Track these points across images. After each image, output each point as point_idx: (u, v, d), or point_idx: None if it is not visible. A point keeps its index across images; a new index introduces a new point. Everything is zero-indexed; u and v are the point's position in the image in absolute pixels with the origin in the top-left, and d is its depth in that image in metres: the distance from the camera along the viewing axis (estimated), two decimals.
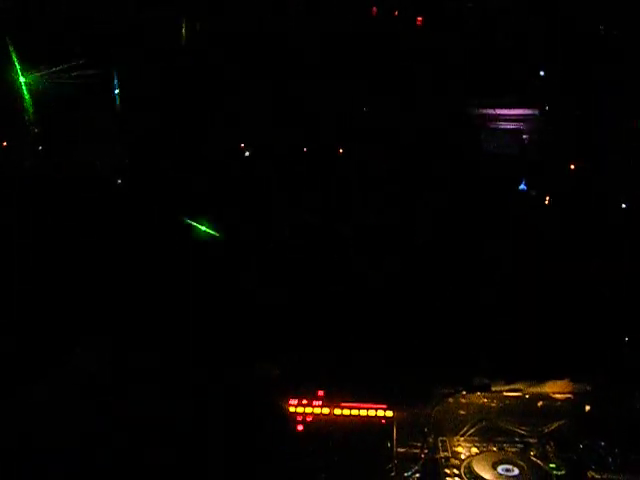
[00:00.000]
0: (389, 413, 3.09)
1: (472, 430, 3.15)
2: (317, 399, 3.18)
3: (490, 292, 3.89)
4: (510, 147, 5.69)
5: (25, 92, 10.69)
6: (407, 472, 2.94)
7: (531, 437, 3.08)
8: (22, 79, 10.57)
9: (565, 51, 4.96)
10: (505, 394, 3.26)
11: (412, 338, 3.56)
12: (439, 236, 4.44)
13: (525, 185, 4.96)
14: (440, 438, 3.11)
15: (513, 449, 3.01)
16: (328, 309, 3.89)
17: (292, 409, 3.16)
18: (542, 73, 5.10)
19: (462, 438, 3.12)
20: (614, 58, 4.80)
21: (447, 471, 2.88)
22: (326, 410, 3.15)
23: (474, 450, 3.02)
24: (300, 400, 3.18)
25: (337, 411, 3.14)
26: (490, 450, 3.01)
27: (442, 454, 2.99)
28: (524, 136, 5.44)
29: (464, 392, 3.27)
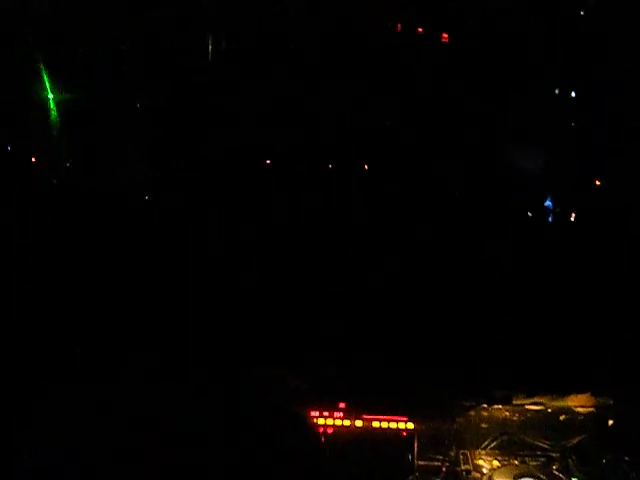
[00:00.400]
0: (410, 425, 3.10)
1: (494, 443, 3.14)
2: (338, 411, 3.20)
3: (511, 304, 3.86)
4: (533, 161, 5.66)
5: (53, 108, 10.81)
6: None
7: (553, 451, 3.07)
8: (50, 95, 10.70)
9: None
10: (527, 407, 3.25)
11: (433, 351, 3.55)
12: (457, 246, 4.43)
13: (551, 202, 4.91)
14: (461, 451, 3.10)
15: (535, 463, 3.01)
16: (346, 320, 3.88)
17: (314, 420, 3.18)
18: (574, 94, 5.07)
19: (484, 451, 3.11)
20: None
21: None
22: (347, 422, 3.16)
23: (495, 463, 3.01)
24: (322, 412, 3.20)
25: (358, 423, 3.16)
26: (512, 463, 3.00)
27: (463, 467, 2.99)
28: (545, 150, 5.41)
29: (485, 405, 3.26)
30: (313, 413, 3.19)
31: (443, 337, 3.66)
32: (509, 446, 3.12)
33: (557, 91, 4.92)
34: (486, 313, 3.77)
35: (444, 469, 3.01)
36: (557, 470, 2.95)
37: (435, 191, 4.86)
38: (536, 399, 3.26)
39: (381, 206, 4.97)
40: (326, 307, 4.17)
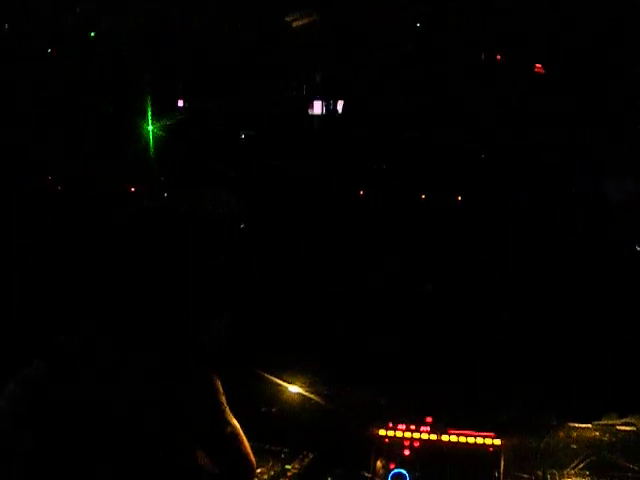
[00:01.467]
0: (497, 441, 3.09)
1: (583, 464, 3.10)
2: (425, 425, 3.22)
3: (605, 322, 3.82)
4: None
5: (151, 140, 11.24)
6: None
7: None
8: (150, 127, 11.11)
9: None
10: (618, 428, 3.19)
11: (523, 367, 3.54)
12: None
13: None
14: (549, 470, 3.07)
15: None
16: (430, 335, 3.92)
17: (400, 434, 3.21)
18: None
19: (572, 471, 3.07)
20: None
21: None
22: (434, 436, 3.18)
23: None
24: (408, 425, 3.22)
25: (444, 437, 3.17)
26: None
27: None
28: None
29: (574, 424, 3.22)
30: (400, 427, 3.22)
31: (534, 353, 3.65)
32: (599, 467, 3.07)
33: None
34: (578, 331, 3.74)
35: None
36: None
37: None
38: (628, 419, 3.20)
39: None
40: (409, 322, 4.21)
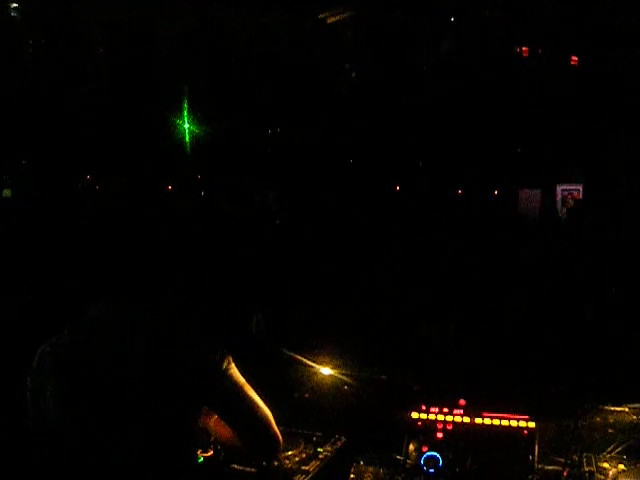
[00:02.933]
0: (532, 424, 3.05)
1: (620, 447, 3.04)
2: (458, 407, 3.19)
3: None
4: None
5: (187, 138, 11.35)
6: None
7: None
8: (187, 125, 11.23)
9: None
10: None
11: (559, 349, 3.48)
12: None
13: None
14: (585, 454, 3.01)
15: None
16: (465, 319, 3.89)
17: (433, 417, 3.18)
18: None
19: (609, 455, 3.02)
20: None
21: None
22: (467, 419, 3.15)
23: (621, 467, 2.90)
24: (441, 408, 3.19)
25: (478, 420, 3.13)
26: (638, 467, 2.89)
27: (586, 468, 2.90)
28: None
29: (612, 407, 3.16)
30: (433, 409, 3.20)
31: (569, 335, 3.59)
32: (636, 451, 3.01)
33: None
34: (617, 312, 3.67)
35: (566, 471, 2.93)
36: None
37: None
38: None
39: None
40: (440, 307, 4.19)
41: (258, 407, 2.47)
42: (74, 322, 2.34)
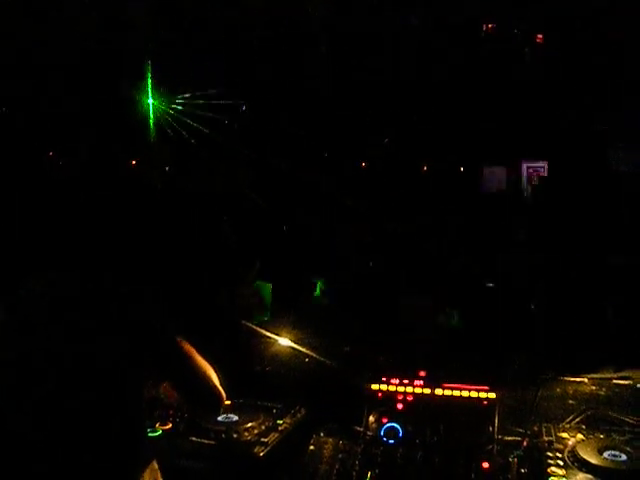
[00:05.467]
0: (492, 395, 3.04)
1: (579, 418, 3.05)
2: (419, 379, 3.17)
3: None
4: None
5: (151, 113, 11.15)
6: (509, 456, 2.88)
7: None
8: (151, 100, 11.03)
9: None
10: (614, 382, 3.14)
11: (517, 320, 3.49)
12: None
13: None
14: (544, 424, 3.02)
15: (621, 437, 2.89)
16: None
17: (393, 388, 3.16)
18: None
19: (568, 425, 3.02)
20: None
21: (550, 454, 2.79)
22: (427, 390, 3.13)
23: (580, 436, 2.91)
24: (402, 379, 3.18)
25: (438, 391, 3.12)
26: (597, 437, 2.90)
27: (546, 438, 2.90)
28: None
29: (570, 378, 3.17)
30: (393, 380, 3.18)
31: (526, 308, 3.60)
32: (595, 421, 3.02)
33: None
34: (572, 286, 3.69)
35: (525, 441, 2.94)
36: None
37: None
38: (624, 373, 3.15)
39: None
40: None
41: (197, 362, 2.46)
42: (6, 298, 2.31)
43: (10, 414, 2.21)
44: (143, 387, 2.39)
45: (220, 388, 2.52)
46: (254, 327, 3.52)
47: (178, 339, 2.43)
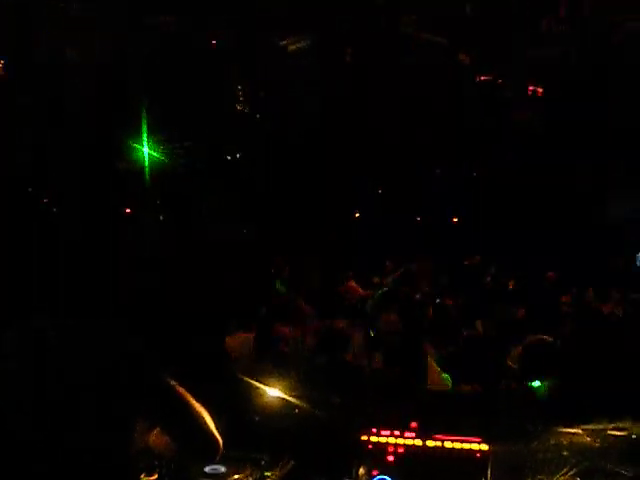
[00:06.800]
0: (484, 447, 2.98)
1: (573, 470, 2.97)
2: (410, 430, 3.10)
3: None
4: None
5: (146, 161, 11.23)
6: None
7: (636, 478, 2.88)
8: (146, 149, 11.10)
9: None
10: (610, 432, 3.08)
11: (508, 371, 3.44)
12: None
13: None
14: (538, 476, 2.95)
15: None
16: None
17: (383, 439, 3.09)
18: None
19: (562, 478, 2.95)
20: None
21: None
22: (419, 442, 3.06)
23: None
24: (393, 430, 3.11)
25: (430, 443, 3.05)
26: None
27: None
28: None
29: (564, 429, 3.10)
30: (383, 432, 3.11)
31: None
32: (590, 473, 2.95)
33: None
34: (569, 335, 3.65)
35: None
36: None
37: None
38: (619, 424, 3.09)
39: None
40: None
41: (194, 407, 2.42)
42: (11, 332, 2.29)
43: (10, 414, 2.20)
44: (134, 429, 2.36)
45: (217, 434, 2.47)
46: (243, 377, 3.46)
47: (174, 383, 2.39)
